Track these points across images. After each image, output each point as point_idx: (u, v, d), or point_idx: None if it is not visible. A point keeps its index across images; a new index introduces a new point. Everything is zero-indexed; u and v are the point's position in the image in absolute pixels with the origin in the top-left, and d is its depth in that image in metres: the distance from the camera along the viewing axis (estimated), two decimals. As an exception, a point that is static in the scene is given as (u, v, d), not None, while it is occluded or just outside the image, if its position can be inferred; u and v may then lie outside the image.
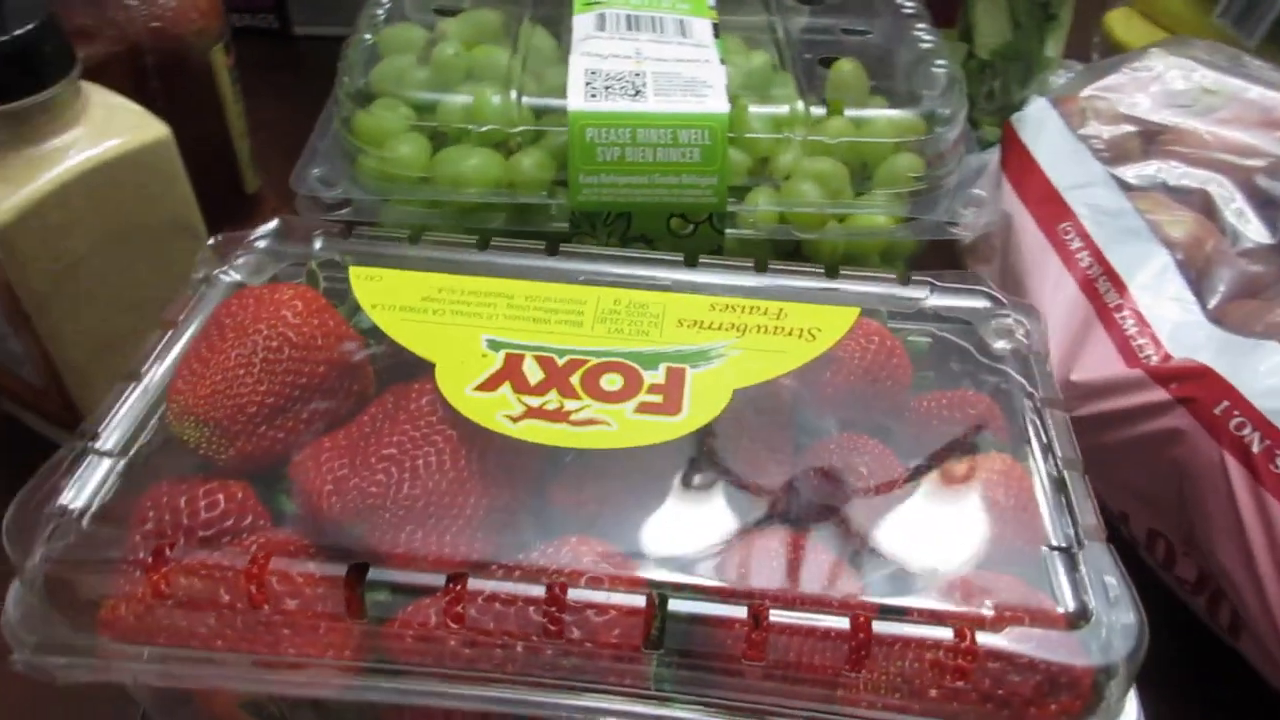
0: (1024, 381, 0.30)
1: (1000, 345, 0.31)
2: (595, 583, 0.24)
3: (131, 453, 0.27)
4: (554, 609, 0.23)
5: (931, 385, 0.30)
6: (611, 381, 0.27)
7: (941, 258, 0.59)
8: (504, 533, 0.26)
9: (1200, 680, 0.39)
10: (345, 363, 0.29)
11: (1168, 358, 0.38)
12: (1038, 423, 0.29)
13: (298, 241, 0.32)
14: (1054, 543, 0.26)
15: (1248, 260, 0.42)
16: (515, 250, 0.33)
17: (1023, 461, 0.28)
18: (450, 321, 0.29)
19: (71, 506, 0.25)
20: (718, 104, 0.43)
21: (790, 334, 0.29)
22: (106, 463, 0.26)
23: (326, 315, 0.29)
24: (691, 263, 0.32)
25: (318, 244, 0.32)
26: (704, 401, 0.27)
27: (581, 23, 0.48)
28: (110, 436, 0.27)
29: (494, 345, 0.28)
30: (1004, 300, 0.32)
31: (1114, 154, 0.47)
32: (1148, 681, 0.24)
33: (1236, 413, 0.34)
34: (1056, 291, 0.44)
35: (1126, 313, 0.40)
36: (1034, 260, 0.46)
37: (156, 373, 0.28)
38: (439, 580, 0.24)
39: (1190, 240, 0.42)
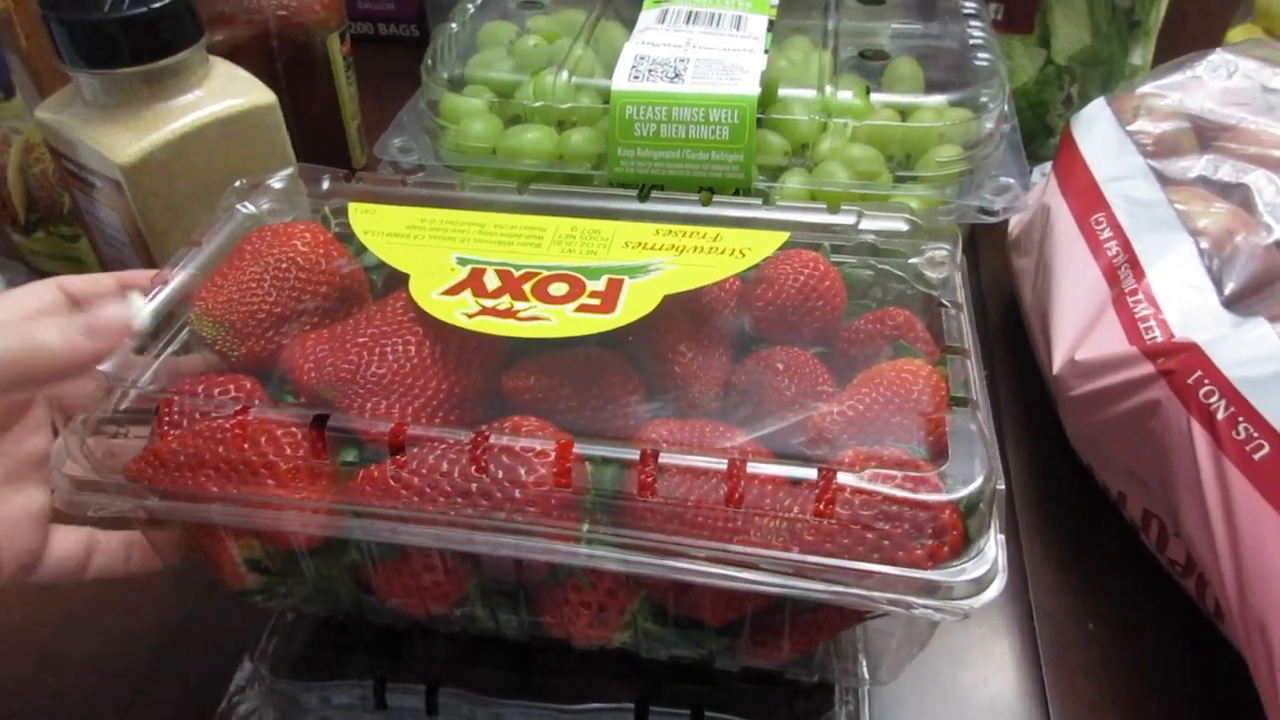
0: (940, 295, 0.32)
1: (932, 275, 0.33)
2: (516, 431, 0.27)
3: (160, 339, 0.32)
4: (479, 452, 0.27)
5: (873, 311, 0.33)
6: (558, 288, 0.31)
7: (991, 250, 0.59)
8: (458, 410, 0.30)
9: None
10: (345, 286, 0.34)
11: (1170, 337, 0.38)
12: (943, 324, 0.31)
13: (308, 184, 0.38)
14: (927, 412, 0.27)
15: (1281, 252, 0.41)
16: (491, 189, 0.37)
17: (934, 364, 0.30)
18: (428, 244, 0.34)
19: (104, 372, 0.30)
20: (749, 87, 0.46)
21: (722, 253, 0.32)
22: (133, 343, 0.31)
23: (331, 247, 0.33)
24: (644, 197, 0.35)
25: (325, 185, 0.38)
26: (636, 304, 0.30)
27: (646, 17, 0.52)
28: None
29: (462, 261, 0.32)
30: (922, 223, 0.34)
31: (1160, 149, 0.47)
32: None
33: (1207, 381, 0.34)
34: (1080, 279, 0.44)
35: (1140, 296, 0.40)
36: (1065, 250, 0.46)
37: (180, 278, 0.34)
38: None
39: (1220, 231, 0.41)
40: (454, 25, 0.54)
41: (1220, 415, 0.33)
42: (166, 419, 0.29)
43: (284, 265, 0.33)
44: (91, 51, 0.43)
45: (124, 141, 0.44)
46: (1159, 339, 0.38)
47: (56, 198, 0.54)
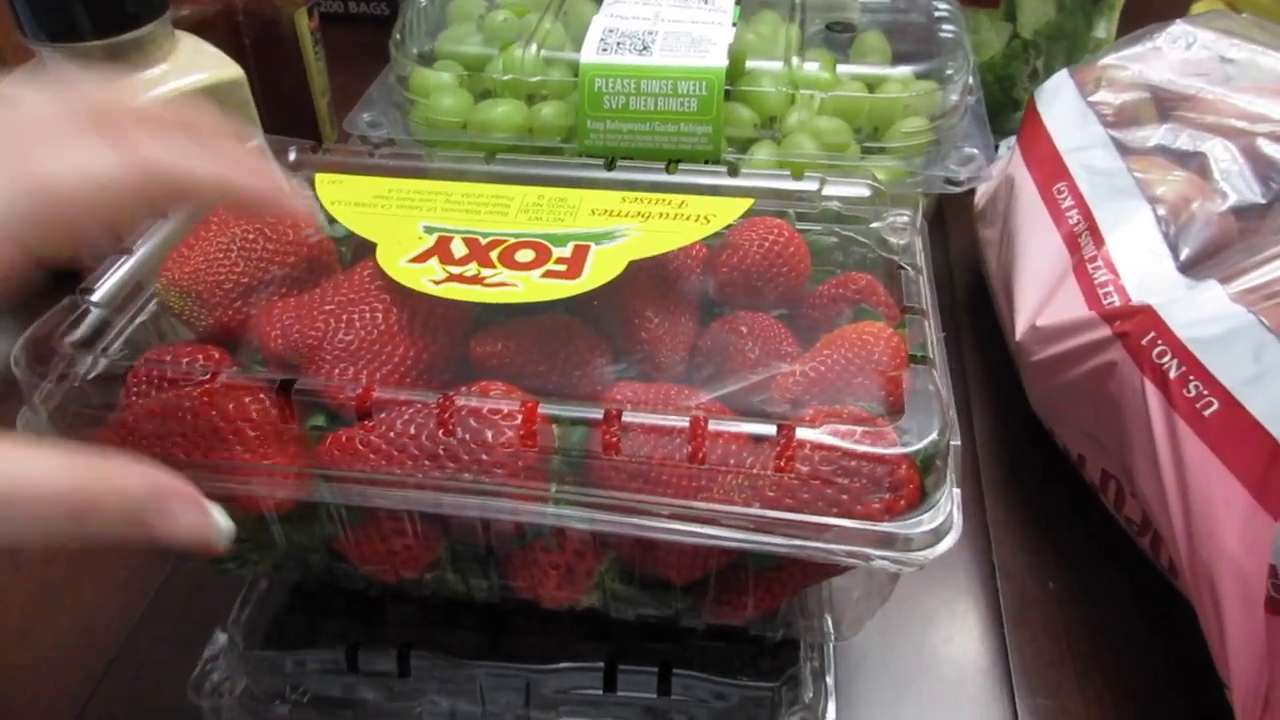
0: (900, 259, 0.33)
1: (894, 240, 0.33)
2: (482, 394, 0.28)
3: (126, 310, 0.32)
4: (447, 415, 0.27)
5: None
6: (525, 255, 0.31)
7: (959, 223, 0.60)
8: (426, 376, 0.31)
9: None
10: (312, 256, 0.34)
11: (1128, 302, 0.38)
12: (904, 287, 0.32)
13: (276, 155, 0.38)
14: (884, 371, 0.28)
15: (1236, 218, 0.42)
16: (459, 159, 0.38)
17: (895, 326, 0.31)
18: (395, 213, 0.34)
19: (71, 342, 0.30)
20: (717, 59, 0.46)
21: (688, 219, 0.32)
22: (99, 313, 0.32)
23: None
24: (610, 166, 0.36)
25: (292, 156, 0.38)
26: (601, 269, 0.30)
27: (615, -9, 0.52)
28: (103, 293, 0.32)
29: (429, 230, 0.33)
30: (884, 189, 0.34)
31: (1121, 119, 0.47)
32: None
33: (1160, 342, 0.35)
34: (1043, 247, 0.45)
35: (1100, 263, 0.41)
36: (1029, 219, 0.47)
37: (143, 249, 0.33)
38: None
39: (1177, 198, 0.42)
40: (423, 0, 0.54)
41: (1172, 374, 0.34)
42: (134, 388, 0.29)
43: (251, 236, 0.33)
44: (55, 25, 0.43)
45: (89, 116, 0.43)
46: (1117, 304, 0.39)
47: (23, 175, 0.54)
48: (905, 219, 0.35)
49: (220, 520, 0.25)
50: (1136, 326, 0.36)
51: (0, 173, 0.22)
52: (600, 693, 0.33)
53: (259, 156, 0.27)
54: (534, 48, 0.49)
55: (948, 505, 0.26)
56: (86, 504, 0.22)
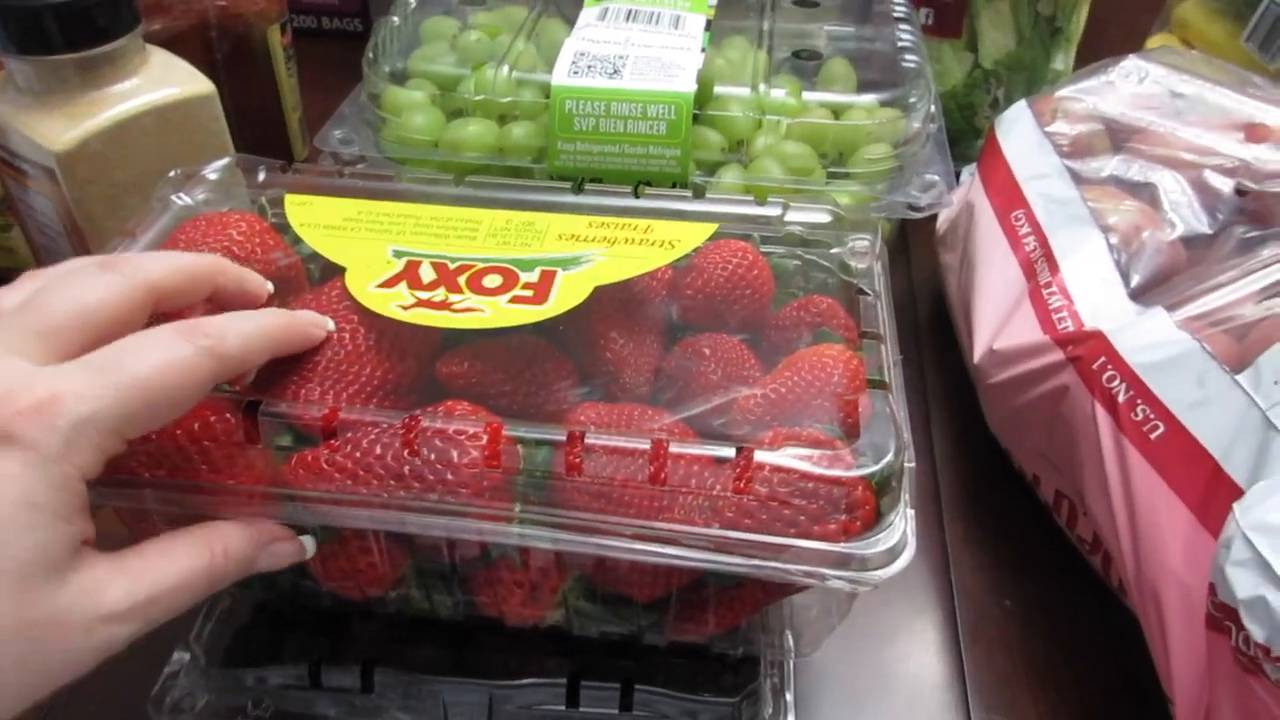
0: (860, 283, 0.34)
1: (854, 264, 0.34)
2: (448, 415, 0.28)
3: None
4: (412, 435, 0.28)
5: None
6: (492, 280, 0.32)
7: (922, 247, 0.61)
8: (393, 397, 0.31)
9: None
10: (282, 275, 0.34)
11: (1081, 327, 0.40)
12: (862, 311, 0.33)
13: (245, 174, 0.38)
14: (842, 394, 0.29)
15: (1185, 247, 0.43)
16: (427, 181, 0.38)
17: (855, 349, 0.31)
18: (363, 237, 0.34)
19: None
20: (686, 84, 0.47)
21: (653, 244, 0.33)
22: None
23: (267, 236, 0.34)
24: (578, 190, 0.37)
25: (261, 175, 0.38)
26: (568, 295, 0.31)
27: (586, 14, 0.53)
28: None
29: (398, 254, 0.33)
30: (844, 215, 0.35)
31: (1075, 149, 0.49)
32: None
33: (1110, 367, 0.36)
34: (1000, 272, 0.46)
35: (1054, 288, 0.42)
36: (987, 245, 0.48)
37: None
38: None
39: (1129, 228, 0.44)
40: (395, 19, 0.55)
41: (1121, 398, 0.35)
42: None
43: (219, 254, 0.33)
44: (24, 37, 0.43)
45: (58, 129, 0.43)
46: (1070, 329, 0.40)
47: (-12, 186, 0.54)
48: (865, 244, 0.36)
49: (306, 541, 0.30)
50: (1088, 351, 0.37)
51: (90, 369, 0.24)
52: (563, 708, 0.34)
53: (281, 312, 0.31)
54: (506, 69, 0.50)
55: (902, 526, 0.27)
56: (216, 579, 0.27)
